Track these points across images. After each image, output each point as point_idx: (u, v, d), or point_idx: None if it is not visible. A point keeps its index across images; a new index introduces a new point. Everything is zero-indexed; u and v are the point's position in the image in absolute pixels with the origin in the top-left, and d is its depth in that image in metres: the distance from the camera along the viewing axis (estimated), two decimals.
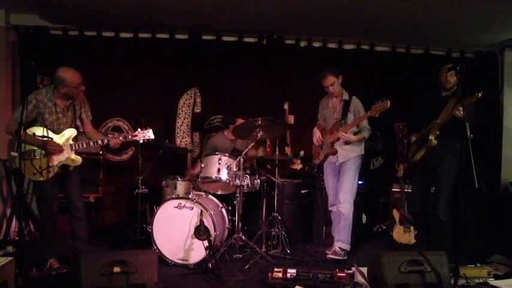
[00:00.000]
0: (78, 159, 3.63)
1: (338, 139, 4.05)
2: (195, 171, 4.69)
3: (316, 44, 5.47)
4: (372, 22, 4.86)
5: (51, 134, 3.51)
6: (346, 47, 5.50)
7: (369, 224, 5.20)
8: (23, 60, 4.96)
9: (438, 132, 3.70)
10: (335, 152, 4.10)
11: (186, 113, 5.37)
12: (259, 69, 5.41)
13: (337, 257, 3.94)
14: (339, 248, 4.01)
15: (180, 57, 5.29)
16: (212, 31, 5.28)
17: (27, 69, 4.77)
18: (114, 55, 5.20)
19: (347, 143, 4.04)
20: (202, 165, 4.22)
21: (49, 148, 3.46)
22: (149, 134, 3.75)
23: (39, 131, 3.47)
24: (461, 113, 3.36)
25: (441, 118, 3.67)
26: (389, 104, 3.70)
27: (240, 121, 4.65)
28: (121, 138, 3.66)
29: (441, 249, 3.38)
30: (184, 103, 5.36)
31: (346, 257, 3.98)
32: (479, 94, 3.41)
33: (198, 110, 5.39)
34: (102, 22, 5.07)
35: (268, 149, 4.97)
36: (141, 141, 3.77)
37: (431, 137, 3.72)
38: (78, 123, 3.76)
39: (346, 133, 3.98)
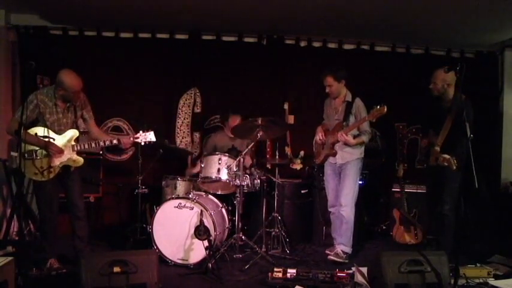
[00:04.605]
0: (80, 160, 3.64)
1: (338, 140, 4.02)
2: (195, 170, 4.69)
3: (316, 44, 5.47)
4: (372, 22, 4.86)
5: (53, 135, 3.52)
6: (346, 47, 5.50)
7: (369, 224, 5.20)
8: (23, 60, 4.96)
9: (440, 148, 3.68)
10: (335, 153, 4.08)
11: (186, 113, 5.37)
12: (259, 69, 5.41)
13: (338, 259, 3.90)
14: (341, 250, 3.98)
15: (180, 57, 5.29)
16: (212, 31, 5.28)
17: (27, 69, 4.76)
18: (114, 55, 5.20)
19: (346, 144, 4.00)
20: (202, 165, 4.22)
21: (49, 150, 3.47)
22: (150, 136, 3.77)
23: (41, 131, 3.48)
24: (447, 163, 3.39)
25: (440, 138, 3.65)
26: (385, 109, 3.68)
27: (234, 118, 4.69)
28: (132, 138, 3.70)
29: (442, 249, 3.39)
30: (184, 103, 5.36)
31: (347, 260, 3.93)
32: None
33: (198, 110, 5.39)
34: (102, 22, 5.07)
35: (268, 156, 4.94)
36: (142, 143, 3.79)
37: (436, 148, 3.68)
38: (80, 123, 3.77)
39: (347, 135, 3.93)
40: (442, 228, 3.84)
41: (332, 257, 3.94)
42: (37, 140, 3.45)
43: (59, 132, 3.57)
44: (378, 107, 3.73)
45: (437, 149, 3.59)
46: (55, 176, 3.54)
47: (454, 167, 3.39)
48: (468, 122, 3.09)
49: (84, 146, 3.62)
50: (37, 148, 3.48)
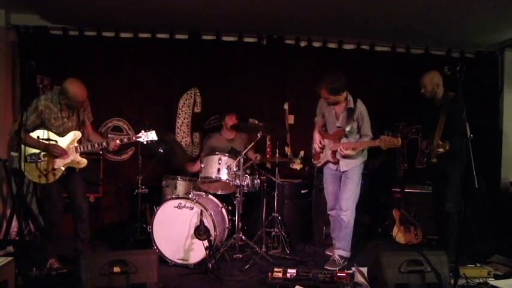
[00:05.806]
0: (84, 161, 3.66)
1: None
2: (194, 168, 4.66)
3: (316, 44, 5.46)
4: (372, 22, 4.85)
5: (55, 137, 3.52)
6: (346, 47, 5.49)
7: (369, 224, 5.20)
8: (23, 60, 4.95)
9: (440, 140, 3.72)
10: (336, 162, 3.98)
11: (186, 113, 5.37)
12: (259, 69, 5.40)
13: (335, 268, 3.78)
14: (339, 256, 3.92)
15: (180, 57, 5.28)
16: (212, 31, 5.28)
17: (27, 69, 4.76)
18: (114, 55, 5.20)
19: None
20: (202, 165, 4.22)
21: (53, 152, 3.48)
22: (152, 135, 3.79)
23: (41, 133, 3.49)
24: (441, 147, 3.59)
25: (436, 136, 3.72)
26: (400, 142, 3.59)
27: (230, 117, 4.74)
28: (118, 141, 3.69)
29: (450, 247, 3.39)
30: (184, 103, 5.36)
31: (346, 263, 3.89)
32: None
33: (198, 110, 5.39)
34: (102, 22, 5.06)
35: (268, 155, 4.94)
36: (145, 143, 3.80)
37: (436, 140, 3.74)
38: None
39: (346, 150, 3.84)
40: (448, 227, 3.85)
41: (328, 266, 3.84)
42: (37, 142, 3.46)
43: (63, 134, 3.58)
44: (391, 134, 3.61)
45: (438, 141, 3.66)
46: (59, 178, 3.54)
47: (448, 147, 3.58)
48: (462, 118, 3.10)
49: (87, 147, 3.64)
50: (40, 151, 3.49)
